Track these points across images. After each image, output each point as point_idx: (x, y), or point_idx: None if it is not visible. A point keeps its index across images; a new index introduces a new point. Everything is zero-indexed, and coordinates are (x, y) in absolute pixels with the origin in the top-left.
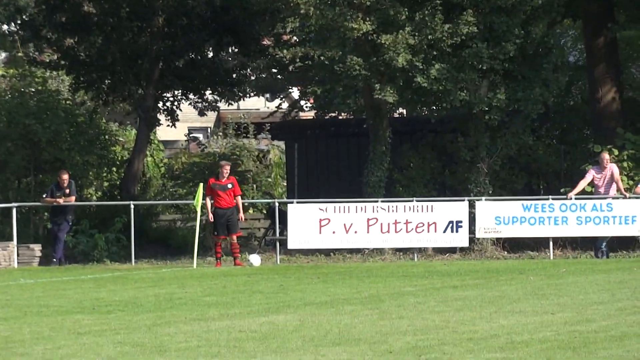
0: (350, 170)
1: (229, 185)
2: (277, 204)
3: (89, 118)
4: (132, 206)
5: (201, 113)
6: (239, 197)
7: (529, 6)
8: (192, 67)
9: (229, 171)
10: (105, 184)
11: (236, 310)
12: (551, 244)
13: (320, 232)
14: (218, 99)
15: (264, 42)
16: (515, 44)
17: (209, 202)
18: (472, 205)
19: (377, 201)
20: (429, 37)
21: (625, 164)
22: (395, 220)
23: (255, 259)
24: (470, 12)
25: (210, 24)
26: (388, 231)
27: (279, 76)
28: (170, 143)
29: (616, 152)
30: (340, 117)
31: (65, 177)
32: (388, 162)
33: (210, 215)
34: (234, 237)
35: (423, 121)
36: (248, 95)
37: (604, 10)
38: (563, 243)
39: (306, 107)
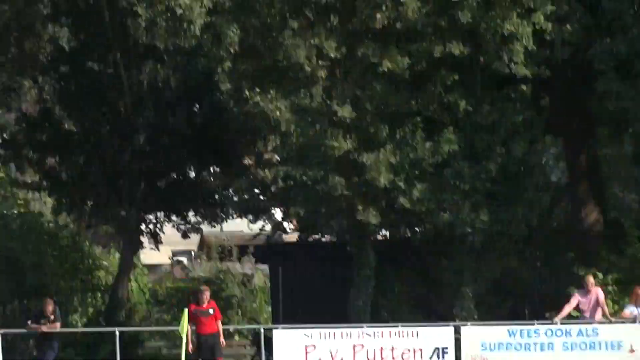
0: (335, 294)
1: (211, 311)
2: (262, 330)
3: (72, 241)
4: (117, 333)
5: (184, 235)
6: (219, 322)
7: (509, 123)
8: (174, 187)
9: (209, 296)
10: (90, 309)
11: None
12: None
13: (306, 359)
14: (201, 220)
15: (245, 162)
16: (496, 163)
17: (189, 330)
18: (457, 331)
19: (362, 327)
20: (410, 155)
21: (610, 288)
22: (381, 347)
23: None
24: (451, 129)
25: (192, 142)
26: (374, 358)
27: (261, 197)
28: (154, 267)
29: (600, 275)
30: (323, 239)
31: (50, 307)
32: (372, 286)
33: (190, 345)
34: None
35: (406, 243)
36: (231, 217)
37: (584, 127)
38: None
39: (289, 228)
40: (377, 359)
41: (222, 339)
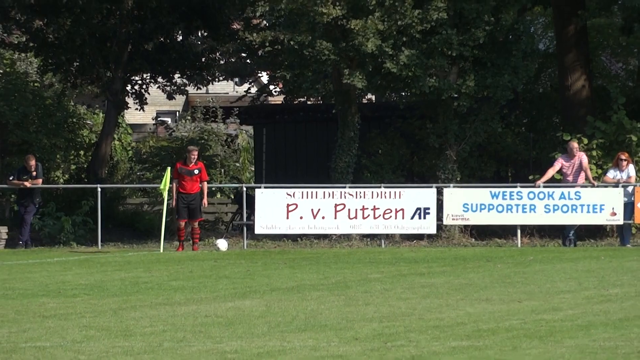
0: (319, 155)
1: (196, 171)
2: (244, 189)
3: (56, 100)
4: (99, 189)
5: (169, 97)
6: (205, 183)
7: None
8: (161, 50)
9: (196, 156)
10: (73, 167)
11: (202, 295)
12: (519, 231)
13: (287, 218)
14: (187, 82)
15: (234, 26)
16: (484, 31)
17: (175, 186)
18: (440, 192)
19: (344, 187)
20: (399, 22)
21: (594, 153)
22: (363, 206)
23: (222, 244)
24: None
25: (180, 7)
26: (355, 217)
27: (248, 60)
28: (138, 127)
29: (585, 140)
30: (309, 102)
31: (32, 162)
32: (356, 147)
33: (174, 201)
34: (196, 223)
35: (392, 107)
36: (217, 79)
37: None
38: (531, 231)
39: (275, 91)
40: (359, 219)
41: (205, 200)
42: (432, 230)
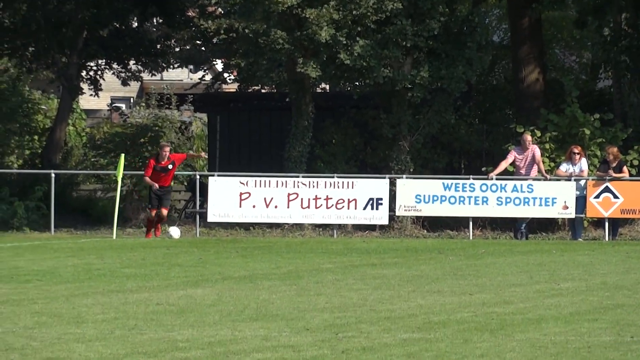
0: (272, 144)
1: (169, 167)
2: (198, 177)
3: (11, 85)
4: (52, 175)
5: (124, 83)
6: (189, 151)
7: None
8: (116, 36)
9: (168, 152)
10: (27, 152)
11: (154, 283)
12: (471, 223)
13: (240, 206)
14: (141, 69)
15: (189, 13)
16: (439, 22)
17: (148, 180)
18: (392, 183)
19: (298, 176)
20: (354, 12)
21: (547, 146)
22: (316, 196)
23: (174, 231)
24: None
25: None
26: (308, 207)
27: (202, 48)
28: (93, 112)
29: (538, 133)
30: (263, 91)
31: None
32: (310, 137)
33: (156, 185)
34: (164, 211)
35: (346, 97)
36: (171, 66)
37: None
38: (483, 223)
39: (229, 79)
40: (312, 208)
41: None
42: (385, 221)
